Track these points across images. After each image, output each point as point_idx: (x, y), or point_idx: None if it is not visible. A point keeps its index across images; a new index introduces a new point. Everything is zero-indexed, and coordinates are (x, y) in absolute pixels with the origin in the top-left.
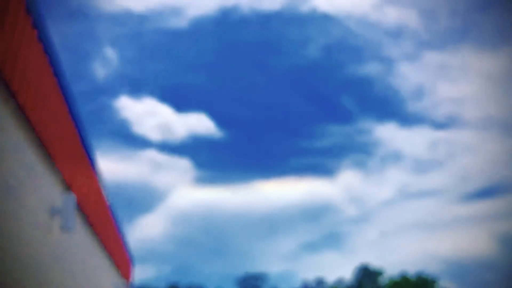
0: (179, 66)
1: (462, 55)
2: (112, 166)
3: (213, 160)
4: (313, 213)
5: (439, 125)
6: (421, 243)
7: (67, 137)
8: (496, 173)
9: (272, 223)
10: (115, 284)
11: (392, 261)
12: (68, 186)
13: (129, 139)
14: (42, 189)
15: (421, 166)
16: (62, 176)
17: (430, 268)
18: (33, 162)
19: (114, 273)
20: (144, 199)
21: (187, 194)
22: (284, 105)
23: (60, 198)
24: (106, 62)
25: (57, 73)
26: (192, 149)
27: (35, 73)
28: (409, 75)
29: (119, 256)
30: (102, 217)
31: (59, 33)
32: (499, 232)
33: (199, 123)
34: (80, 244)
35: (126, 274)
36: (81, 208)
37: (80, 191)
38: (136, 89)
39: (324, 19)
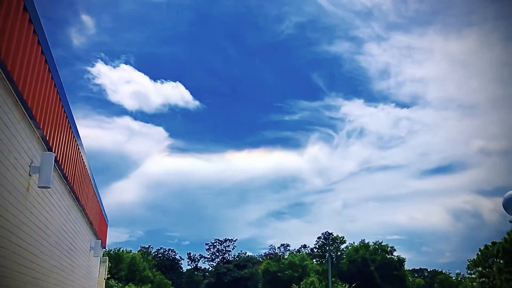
0: (155, 36)
1: (428, 38)
2: (87, 132)
3: (187, 130)
4: (281, 184)
5: (403, 104)
6: (381, 214)
7: (47, 96)
8: (452, 151)
9: (242, 192)
10: (91, 242)
11: (353, 230)
12: (47, 145)
13: (104, 106)
14: (22, 147)
15: (384, 142)
16: (42, 134)
17: (388, 237)
18: (14, 120)
19: (91, 233)
20: (118, 166)
21: (160, 162)
22: (257, 79)
23: (39, 156)
24: (82, 29)
25: (38, 32)
26: (166, 118)
27: (16, 33)
28: (376, 55)
29: (96, 216)
30: (80, 177)
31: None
32: (452, 206)
33: (174, 93)
34: (58, 202)
35: (101, 234)
36: (59, 166)
37: (59, 150)
38: (112, 56)
39: None
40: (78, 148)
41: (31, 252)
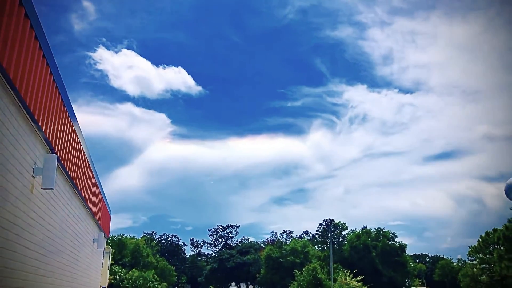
0: (158, 22)
1: (431, 22)
2: (89, 119)
3: (190, 116)
4: (284, 170)
5: (406, 90)
6: (383, 200)
7: (49, 98)
8: (456, 137)
9: (244, 179)
10: (95, 235)
11: (355, 216)
12: (50, 146)
13: (106, 92)
14: (24, 149)
15: (387, 128)
16: (44, 136)
17: (390, 223)
18: (16, 124)
19: (94, 226)
20: (121, 152)
21: (163, 149)
22: (260, 65)
23: (42, 157)
24: (83, 15)
25: (39, 38)
26: (169, 104)
27: (18, 39)
28: (379, 40)
29: (98, 210)
30: (83, 174)
31: None
32: (454, 191)
33: (177, 78)
34: (62, 201)
35: (105, 226)
36: (63, 166)
37: (62, 151)
38: (114, 42)
39: None
40: (81, 146)
41: (37, 251)
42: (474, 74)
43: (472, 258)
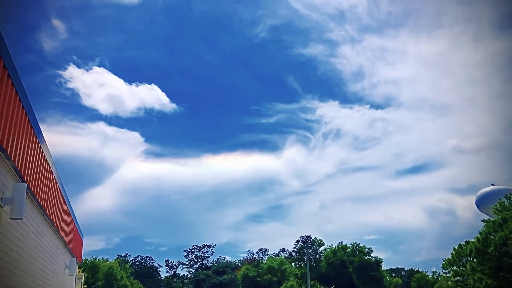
0: (130, 39)
1: (400, 39)
2: (60, 139)
3: (163, 134)
4: (259, 187)
5: (377, 105)
6: (358, 214)
7: (18, 126)
8: (427, 151)
9: (220, 196)
10: (66, 261)
11: (331, 231)
12: (19, 174)
13: (77, 111)
14: None
15: (359, 143)
16: (13, 165)
17: (365, 237)
18: None
19: (65, 253)
20: (93, 172)
21: (136, 167)
22: (233, 83)
23: (11, 186)
24: (53, 33)
25: (7, 63)
26: (142, 122)
27: None
28: (350, 57)
29: (70, 235)
30: (53, 201)
31: (2, 4)
32: (427, 204)
33: (150, 95)
34: (32, 230)
35: (77, 251)
36: (33, 194)
37: (32, 179)
38: (85, 60)
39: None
40: (51, 171)
41: (5, 283)
42: (442, 89)
43: (446, 271)
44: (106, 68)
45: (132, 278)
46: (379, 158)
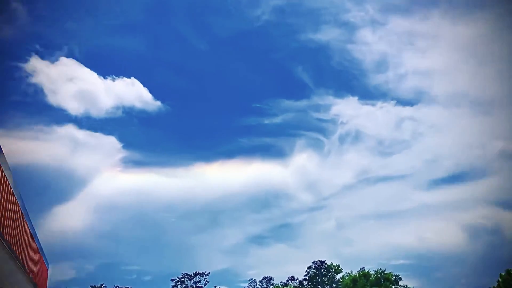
0: (105, 25)
1: (431, 22)
2: (22, 146)
3: (146, 138)
4: (262, 201)
5: (405, 101)
6: (383, 234)
7: None
8: (467, 156)
9: (215, 213)
10: None
11: (350, 255)
12: None
13: (42, 111)
14: None
15: (384, 147)
16: None
17: (392, 262)
18: None
19: (25, 283)
20: (61, 185)
21: (113, 179)
22: (230, 77)
23: None
24: (12, 18)
25: None
26: (120, 124)
27: None
28: (372, 43)
29: (33, 264)
30: (11, 222)
31: None
32: (467, 221)
33: (130, 92)
34: None
35: (40, 281)
36: None
37: None
38: (51, 49)
39: None
40: (9, 186)
41: None
42: (484, 81)
43: None
44: (76, 59)
45: None
46: (408, 166)
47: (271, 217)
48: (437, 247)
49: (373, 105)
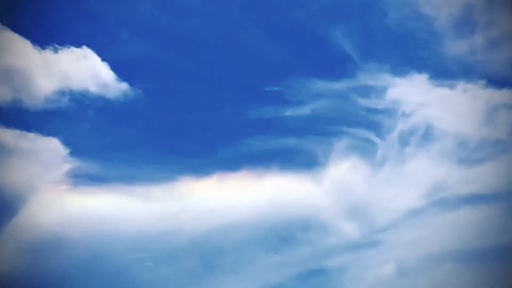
0: None
1: None
2: None
3: (105, 140)
4: (282, 235)
5: (501, 82)
6: (468, 284)
7: None
8: None
9: (211, 254)
10: None
11: None
12: None
13: None
14: None
15: (469, 152)
16: None
17: None
18: None
19: None
20: None
21: (56, 203)
22: (232, 45)
23: None
24: None
25: None
26: (66, 119)
27: None
28: None
29: None
30: None
31: None
32: None
33: (80, 69)
34: None
35: None
36: None
37: None
38: None
39: None
40: None
41: None
42: None
43: None
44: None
45: None
46: (505, 180)
47: (296, 258)
48: None
49: (451, 87)
